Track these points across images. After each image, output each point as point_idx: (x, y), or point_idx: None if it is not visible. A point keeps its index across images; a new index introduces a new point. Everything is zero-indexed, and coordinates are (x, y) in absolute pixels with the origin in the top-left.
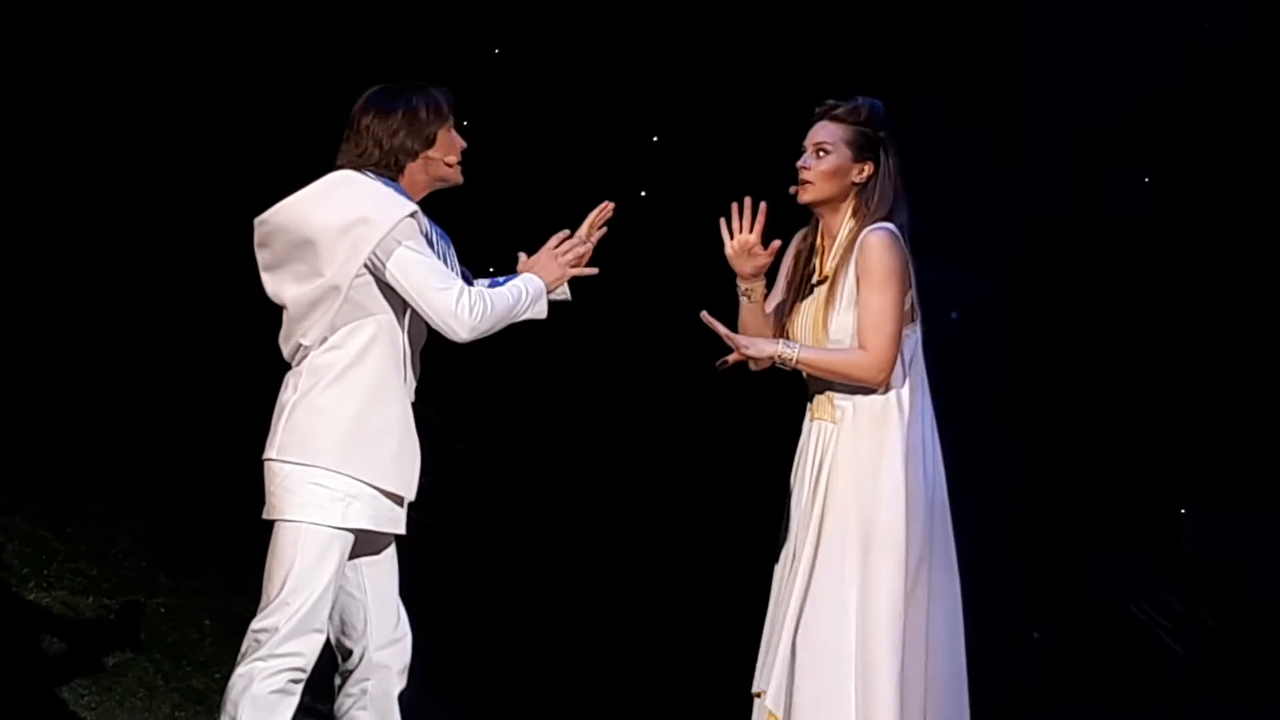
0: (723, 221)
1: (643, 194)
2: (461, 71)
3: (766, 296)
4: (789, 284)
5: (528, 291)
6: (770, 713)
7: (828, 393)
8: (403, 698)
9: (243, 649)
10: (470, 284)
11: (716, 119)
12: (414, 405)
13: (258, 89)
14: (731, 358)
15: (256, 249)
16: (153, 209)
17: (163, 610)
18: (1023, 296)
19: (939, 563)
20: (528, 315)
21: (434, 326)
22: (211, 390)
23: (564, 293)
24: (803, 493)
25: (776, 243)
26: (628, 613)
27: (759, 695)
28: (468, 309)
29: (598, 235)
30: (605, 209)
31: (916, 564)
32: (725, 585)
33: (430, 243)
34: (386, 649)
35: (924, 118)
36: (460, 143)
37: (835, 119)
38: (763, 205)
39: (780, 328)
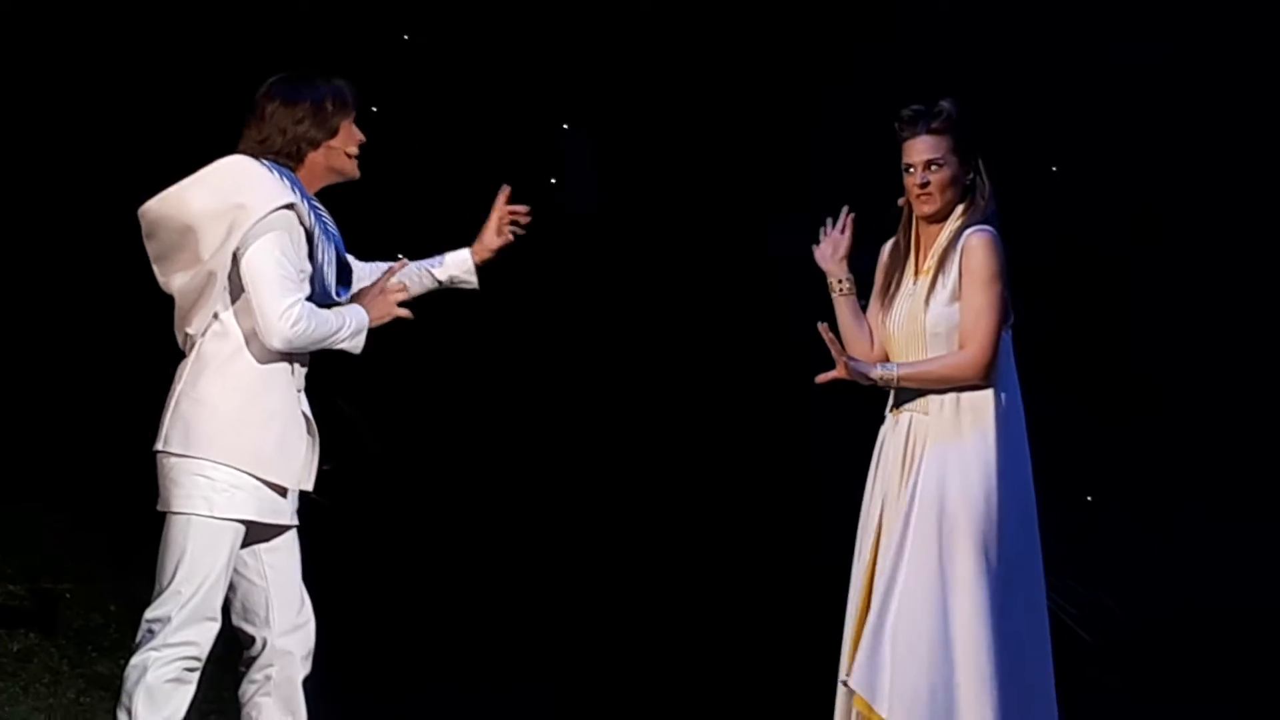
0: (822, 233)
1: (553, 181)
2: (370, 58)
3: (857, 294)
4: (883, 287)
5: (349, 323)
6: (860, 699)
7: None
8: (307, 683)
9: (137, 639)
10: (346, 282)
11: (629, 108)
12: (304, 393)
13: (144, 78)
14: (831, 374)
15: (145, 240)
16: (52, 203)
17: (68, 596)
18: None
19: (1032, 566)
20: (344, 346)
21: (256, 324)
22: (116, 379)
23: (471, 281)
24: (891, 486)
25: (852, 215)
26: (541, 601)
27: (845, 684)
28: (290, 322)
29: (506, 235)
30: (505, 194)
31: (1010, 561)
32: (636, 574)
33: (310, 236)
34: (289, 635)
35: (845, 111)
36: (359, 136)
37: (934, 131)
38: (851, 216)
39: (876, 332)
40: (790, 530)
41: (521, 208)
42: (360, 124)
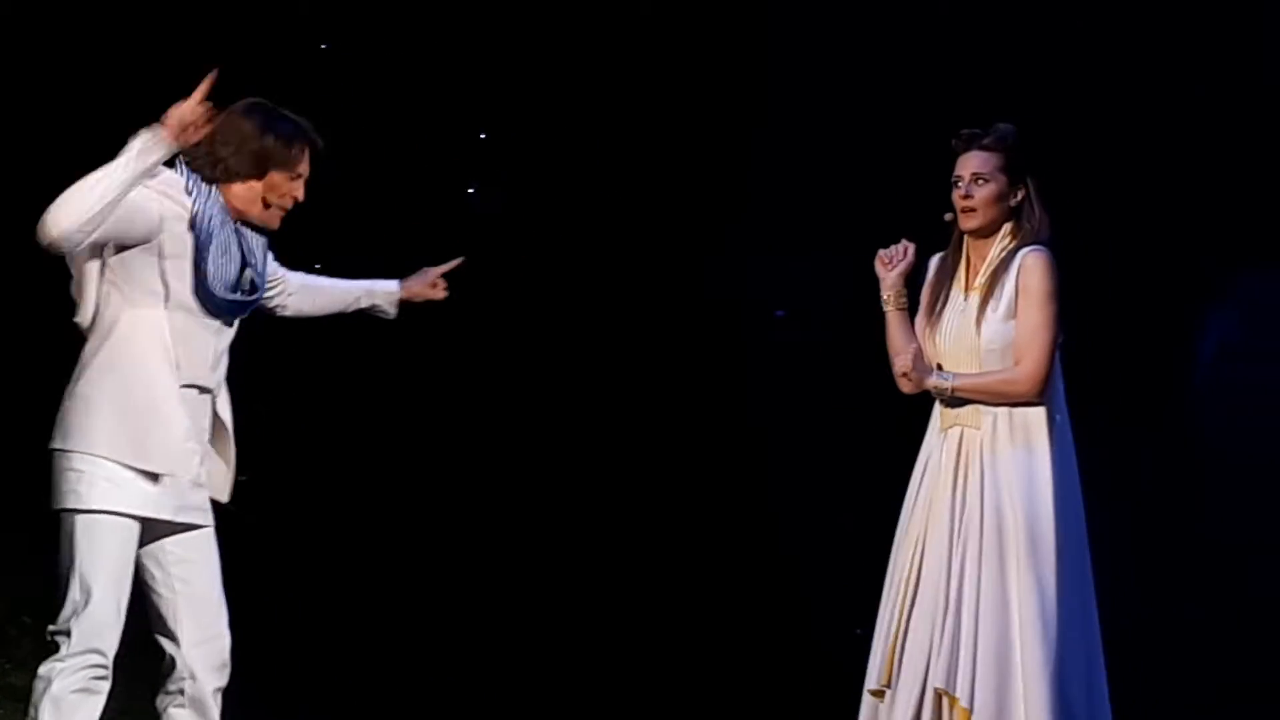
0: (882, 254)
1: (470, 190)
2: (288, 66)
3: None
4: (931, 302)
5: (122, 155)
6: (964, 710)
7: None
8: (228, 694)
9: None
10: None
11: (544, 114)
12: (214, 395)
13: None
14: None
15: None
16: None
17: None
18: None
19: (1085, 579)
20: (123, 175)
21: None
22: (26, 385)
23: (391, 313)
24: (940, 499)
25: (913, 245)
26: (476, 606)
27: (878, 695)
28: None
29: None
30: (455, 264)
31: (1068, 573)
32: (563, 584)
33: (199, 243)
34: (202, 646)
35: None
36: (293, 192)
37: (984, 148)
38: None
39: (924, 347)
40: (735, 536)
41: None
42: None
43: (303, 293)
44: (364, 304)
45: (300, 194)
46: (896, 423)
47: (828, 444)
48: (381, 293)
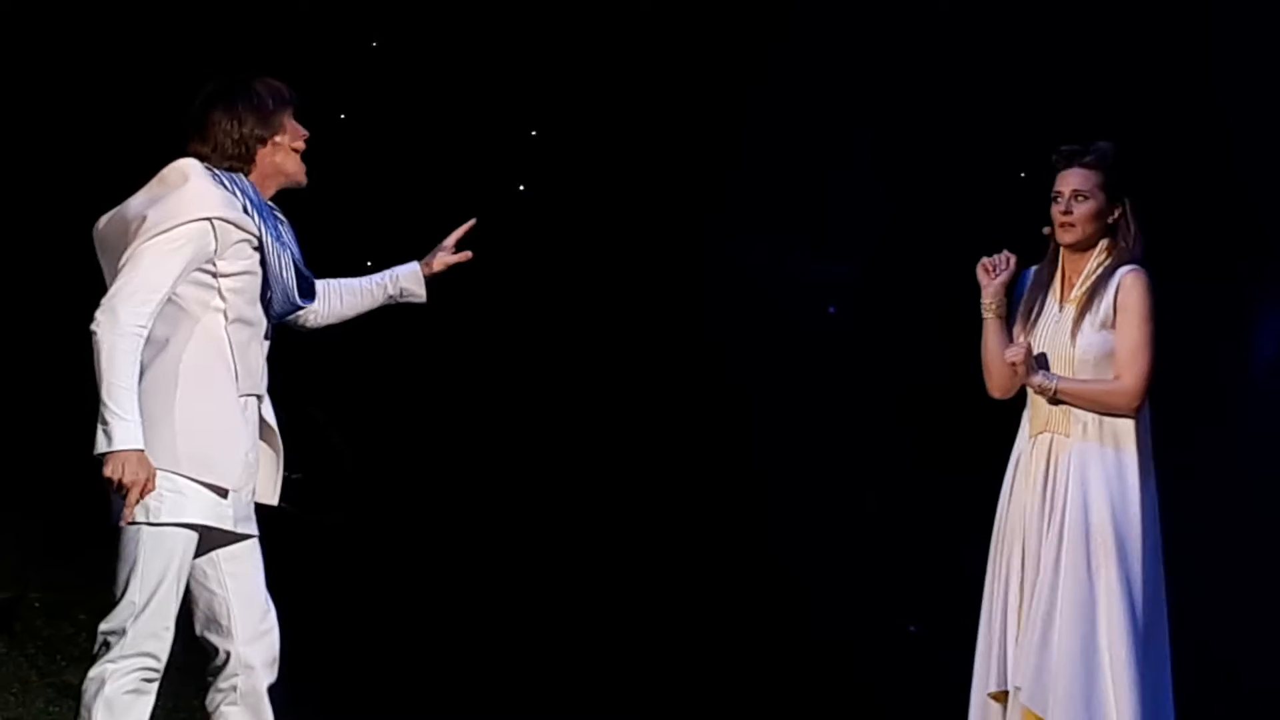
0: (985, 262)
1: (520, 188)
2: (338, 64)
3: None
4: (1026, 312)
5: (114, 402)
6: (1026, 710)
7: (1065, 408)
8: (275, 692)
9: (94, 650)
10: (308, 293)
11: (595, 113)
12: (264, 400)
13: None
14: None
15: (99, 258)
16: (38, 209)
17: (37, 605)
18: (900, 287)
19: (1161, 579)
20: (102, 394)
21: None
22: (84, 384)
23: (420, 294)
24: (1031, 503)
25: (1014, 256)
26: (517, 610)
27: (998, 698)
28: (108, 313)
29: (463, 255)
30: (468, 227)
31: (1149, 572)
32: (613, 589)
33: (261, 244)
34: (253, 644)
35: (792, 107)
36: (304, 131)
37: (1085, 166)
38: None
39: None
40: (736, 532)
41: (461, 247)
42: (304, 122)
43: (328, 295)
44: (391, 292)
45: (306, 130)
46: (895, 420)
47: (826, 444)
48: (405, 274)
